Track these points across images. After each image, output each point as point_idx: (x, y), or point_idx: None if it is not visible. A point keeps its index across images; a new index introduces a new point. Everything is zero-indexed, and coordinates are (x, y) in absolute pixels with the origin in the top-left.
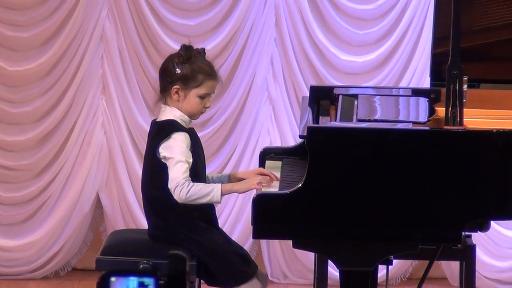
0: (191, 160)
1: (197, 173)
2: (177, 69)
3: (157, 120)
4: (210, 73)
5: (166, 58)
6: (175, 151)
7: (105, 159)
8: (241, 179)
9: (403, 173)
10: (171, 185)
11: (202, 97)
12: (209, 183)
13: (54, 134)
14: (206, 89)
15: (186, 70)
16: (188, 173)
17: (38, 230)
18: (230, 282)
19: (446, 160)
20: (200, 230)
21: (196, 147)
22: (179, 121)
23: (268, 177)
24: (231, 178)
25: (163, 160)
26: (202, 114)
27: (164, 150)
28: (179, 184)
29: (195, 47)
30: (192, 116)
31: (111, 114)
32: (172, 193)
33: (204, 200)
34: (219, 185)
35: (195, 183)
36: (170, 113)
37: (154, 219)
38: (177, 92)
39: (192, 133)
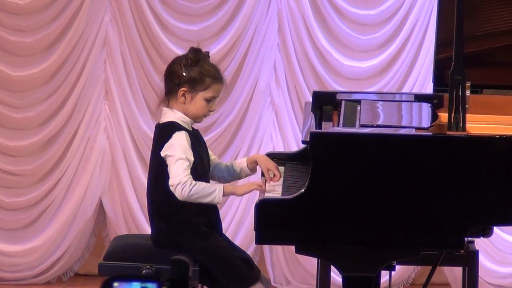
0: (192, 159)
1: (197, 174)
2: (185, 72)
3: (159, 123)
4: (217, 77)
5: (172, 60)
6: (176, 149)
7: (107, 164)
8: (255, 163)
9: (405, 178)
10: (172, 182)
11: (208, 100)
12: (228, 171)
13: (57, 139)
14: (212, 92)
15: (194, 73)
16: (189, 171)
17: (40, 235)
18: (234, 286)
19: (448, 166)
20: (204, 235)
21: (198, 149)
22: (180, 122)
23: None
24: (248, 163)
25: (165, 160)
26: (205, 117)
27: (165, 150)
28: (181, 182)
29: None
30: (196, 119)
31: (113, 119)
32: (173, 191)
33: (205, 200)
34: (221, 185)
35: (198, 182)
36: (171, 115)
37: (158, 223)
38: (183, 95)
39: (195, 135)
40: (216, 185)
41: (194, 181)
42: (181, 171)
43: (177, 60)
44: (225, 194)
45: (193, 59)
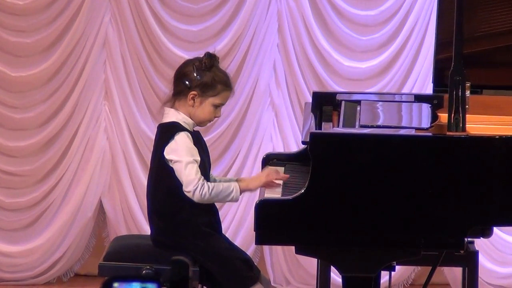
0: (198, 158)
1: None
2: (198, 76)
3: (161, 122)
4: (228, 84)
5: (184, 62)
6: (181, 153)
7: (107, 164)
8: None
9: (405, 179)
10: (189, 188)
11: (216, 106)
12: None
13: (57, 140)
14: (221, 99)
15: (207, 78)
16: (200, 172)
17: (40, 236)
18: (234, 287)
19: (448, 166)
20: (204, 235)
21: (200, 150)
22: (182, 123)
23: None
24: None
25: (170, 164)
26: (209, 123)
27: (170, 153)
28: (198, 186)
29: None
30: (201, 123)
31: (113, 119)
32: (191, 196)
33: (224, 200)
34: (236, 184)
35: (215, 184)
36: (173, 115)
37: (158, 223)
38: (193, 98)
39: (196, 136)
40: (232, 184)
41: (211, 183)
42: (193, 175)
43: (190, 62)
44: (241, 192)
45: (208, 64)
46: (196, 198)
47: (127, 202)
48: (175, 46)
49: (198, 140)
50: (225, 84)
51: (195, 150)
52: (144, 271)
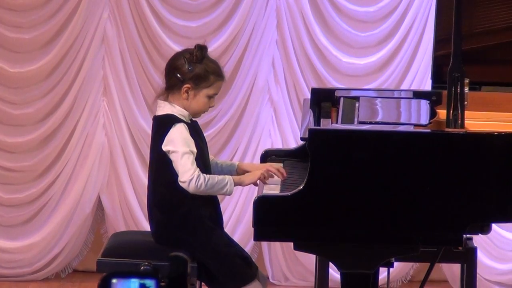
0: (195, 150)
1: (199, 167)
2: (190, 68)
3: (156, 115)
4: (220, 74)
5: (174, 55)
6: (178, 143)
7: (106, 160)
8: (247, 172)
9: (404, 175)
10: (184, 178)
11: (210, 97)
12: (217, 170)
13: (56, 136)
14: (215, 89)
15: (199, 69)
16: (195, 163)
17: (39, 232)
18: (231, 284)
19: (447, 163)
20: (205, 229)
21: (198, 141)
22: (177, 115)
23: (273, 172)
24: (238, 169)
25: (168, 155)
26: (204, 113)
27: (167, 145)
28: (194, 176)
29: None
30: (196, 114)
31: (112, 115)
32: (186, 187)
33: (218, 193)
34: (231, 178)
35: (210, 176)
36: (169, 108)
37: (159, 217)
38: (187, 91)
39: (193, 127)
40: (227, 178)
41: (206, 175)
42: (189, 166)
43: (180, 55)
44: (234, 185)
45: (199, 56)
46: (191, 189)
47: (126, 198)
48: (173, 42)
49: (195, 130)
50: (217, 74)
51: (191, 142)
52: (142, 267)
